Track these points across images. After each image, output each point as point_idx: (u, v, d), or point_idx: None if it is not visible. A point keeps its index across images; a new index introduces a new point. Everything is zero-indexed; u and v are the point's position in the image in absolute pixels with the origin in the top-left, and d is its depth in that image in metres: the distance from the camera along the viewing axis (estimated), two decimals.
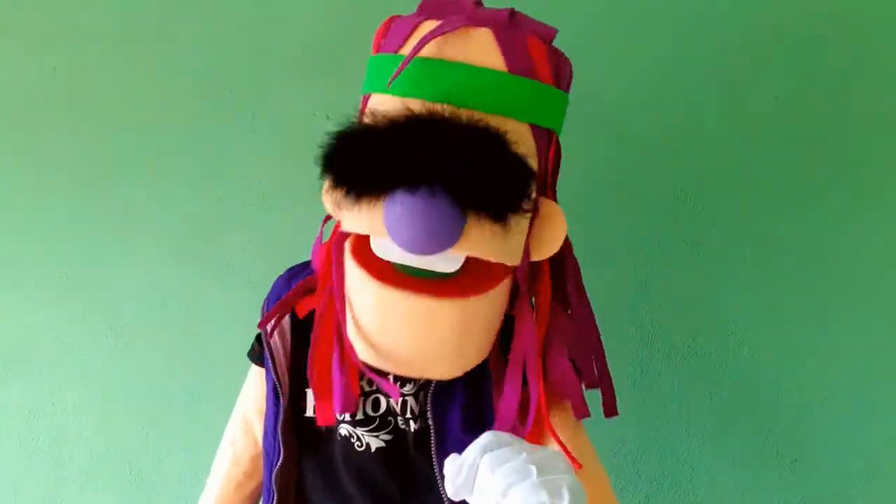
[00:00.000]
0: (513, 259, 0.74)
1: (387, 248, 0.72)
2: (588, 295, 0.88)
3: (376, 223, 0.70)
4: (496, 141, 0.67)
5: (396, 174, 0.66)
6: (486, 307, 0.75)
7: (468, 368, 0.77)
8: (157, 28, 1.28)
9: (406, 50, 0.72)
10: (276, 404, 0.87)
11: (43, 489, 1.35)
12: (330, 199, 0.75)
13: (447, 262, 0.72)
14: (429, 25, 0.72)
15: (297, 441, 0.88)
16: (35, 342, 1.32)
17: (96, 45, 1.28)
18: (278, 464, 0.87)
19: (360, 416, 0.85)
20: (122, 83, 1.28)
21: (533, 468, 0.53)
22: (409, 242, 0.68)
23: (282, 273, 0.95)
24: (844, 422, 1.28)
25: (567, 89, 0.81)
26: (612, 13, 1.25)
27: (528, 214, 0.73)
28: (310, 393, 0.86)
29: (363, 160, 0.68)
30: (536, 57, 0.73)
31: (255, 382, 0.97)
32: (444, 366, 0.76)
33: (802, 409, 1.28)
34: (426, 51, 0.70)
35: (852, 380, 1.27)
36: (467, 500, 0.58)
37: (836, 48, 1.23)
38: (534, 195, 0.74)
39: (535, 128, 0.74)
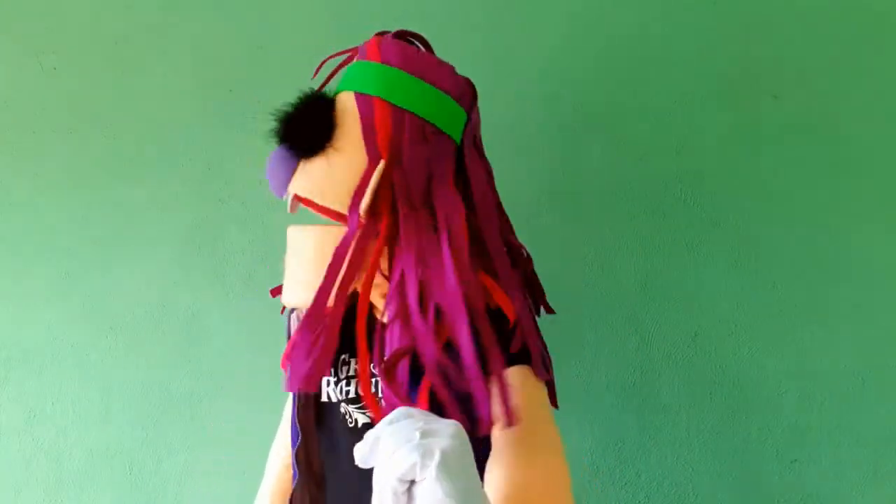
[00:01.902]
0: (328, 197, 0.87)
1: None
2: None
3: None
4: (312, 100, 0.88)
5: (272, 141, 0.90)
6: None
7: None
8: (157, 28, 1.28)
9: None
10: (296, 394, 0.96)
11: (43, 489, 1.35)
12: None
13: (289, 204, 0.92)
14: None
15: (313, 422, 0.97)
16: (35, 342, 1.32)
17: (96, 45, 1.28)
18: (298, 444, 0.96)
19: (352, 394, 0.93)
20: (122, 83, 1.29)
21: (417, 434, 0.58)
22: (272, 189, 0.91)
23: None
24: (844, 422, 1.28)
25: (430, 80, 0.91)
26: (611, 13, 1.25)
27: (347, 155, 0.86)
28: (323, 381, 0.95)
29: (280, 133, 0.91)
30: (369, 47, 0.92)
31: None
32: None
33: (802, 409, 1.28)
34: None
35: (852, 380, 1.27)
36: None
37: (836, 48, 1.23)
38: (345, 144, 0.87)
39: (358, 95, 0.89)
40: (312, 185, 0.88)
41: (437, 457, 0.55)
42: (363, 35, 1.26)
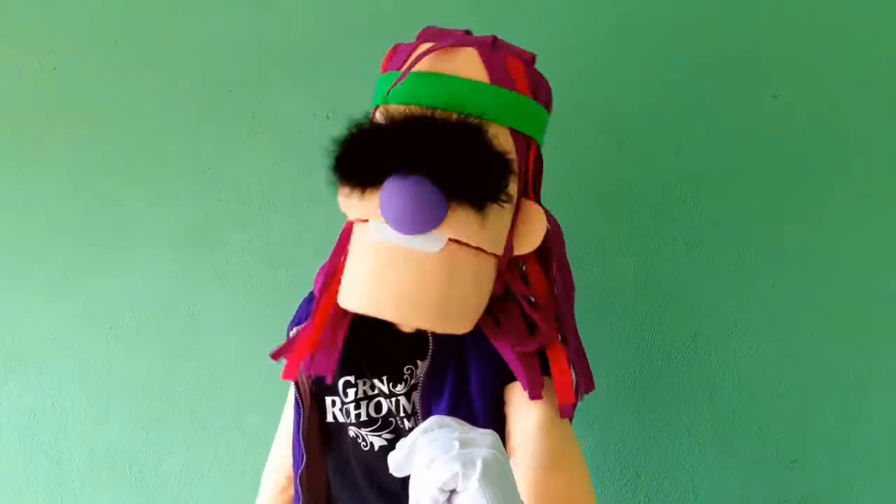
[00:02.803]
0: (493, 247, 0.82)
1: (381, 231, 0.81)
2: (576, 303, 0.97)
3: (372, 207, 0.81)
4: (476, 134, 0.78)
5: (389, 164, 0.78)
6: (472, 265, 0.82)
7: (449, 324, 0.82)
8: (157, 28, 1.28)
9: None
10: (299, 412, 0.95)
11: (43, 489, 1.35)
12: (341, 196, 0.86)
13: (431, 241, 0.80)
14: (425, 47, 0.84)
15: (320, 445, 0.96)
16: (35, 342, 1.32)
17: (96, 45, 1.28)
18: (302, 466, 0.94)
19: (364, 417, 0.92)
20: (122, 83, 1.29)
21: (456, 443, 0.57)
22: (397, 220, 0.78)
23: (306, 295, 1.01)
24: (844, 422, 1.28)
25: (546, 106, 0.89)
26: (612, 13, 1.25)
27: (507, 205, 0.81)
28: (328, 400, 0.94)
29: (361, 155, 0.80)
30: (515, 73, 0.83)
31: (291, 399, 1.03)
32: (429, 313, 0.80)
33: (802, 409, 1.28)
34: (422, 66, 0.83)
35: (852, 380, 1.27)
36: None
37: (836, 48, 1.23)
38: (513, 190, 0.82)
39: (513, 132, 0.83)
40: (478, 233, 0.80)
41: (478, 467, 0.55)
42: (363, 35, 1.27)
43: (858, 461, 1.29)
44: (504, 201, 0.80)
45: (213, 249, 1.30)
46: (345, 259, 0.88)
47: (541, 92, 0.87)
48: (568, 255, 1.29)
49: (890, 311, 1.26)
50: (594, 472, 1.30)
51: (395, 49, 0.89)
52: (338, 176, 0.82)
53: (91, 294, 1.31)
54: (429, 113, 0.78)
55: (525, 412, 0.84)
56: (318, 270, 0.94)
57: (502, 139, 0.81)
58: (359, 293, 0.82)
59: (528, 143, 0.85)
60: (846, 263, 1.26)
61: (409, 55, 0.85)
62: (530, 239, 0.85)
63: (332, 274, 0.91)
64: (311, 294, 0.99)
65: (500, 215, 0.81)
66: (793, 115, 1.24)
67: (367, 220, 0.83)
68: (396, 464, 0.61)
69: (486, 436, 0.60)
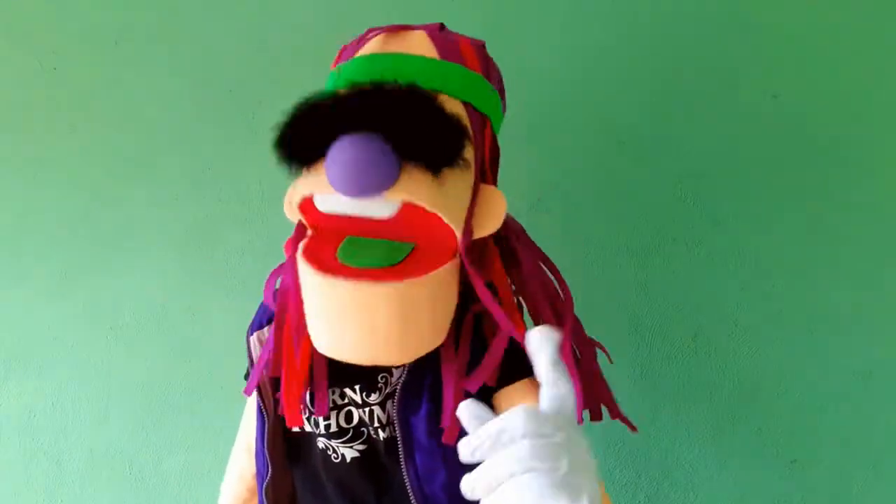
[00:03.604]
0: (451, 216, 0.74)
1: (330, 202, 0.75)
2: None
3: (320, 178, 0.73)
4: (428, 99, 0.72)
5: (335, 130, 0.71)
6: (427, 291, 0.74)
7: (416, 355, 0.76)
8: (157, 28, 1.28)
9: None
10: (263, 423, 0.91)
11: (43, 489, 1.35)
12: (288, 196, 0.79)
13: (385, 206, 0.73)
14: (373, 35, 0.82)
15: (284, 456, 0.92)
16: (35, 342, 1.32)
17: (96, 45, 1.28)
18: (267, 479, 0.90)
19: (333, 428, 0.87)
20: (122, 83, 1.29)
21: (565, 462, 0.49)
22: (344, 183, 0.70)
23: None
24: (844, 422, 1.28)
25: (500, 92, 0.85)
26: (611, 13, 1.25)
27: (465, 172, 0.75)
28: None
29: (305, 127, 0.74)
30: (466, 52, 0.81)
31: (252, 407, 1.01)
32: (390, 352, 0.75)
33: (802, 409, 1.28)
34: (370, 49, 0.80)
35: (852, 380, 1.27)
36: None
37: (836, 48, 1.23)
38: (470, 158, 0.76)
39: (467, 106, 0.78)
40: (435, 198, 0.72)
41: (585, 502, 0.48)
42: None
43: (858, 461, 1.29)
44: (462, 167, 0.74)
45: (213, 249, 1.30)
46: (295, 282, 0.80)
47: (493, 74, 0.84)
48: (568, 255, 1.29)
49: (890, 310, 1.26)
50: None
51: (343, 48, 0.87)
52: (282, 155, 0.75)
53: (91, 294, 1.31)
54: (377, 83, 0.72)
55: None
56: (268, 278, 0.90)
57: (456, 109, 0.77)
58: (321, 343, 0.77)
59: (483, 122, 0.81)
60: (846, 263, 1.26)
61: (359, 45, 0.82)
62: (490, 220, 0.78)
63: (297, 314, 0.81)
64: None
65: (458, 186, 0.75)
66: (793, 115, 1.24)
67: (310, 200, 0.77)
68: (465, 446, 0.52)
69: (589, 455, 0.53)
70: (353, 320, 0.73)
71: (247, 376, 0.99)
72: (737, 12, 1.23)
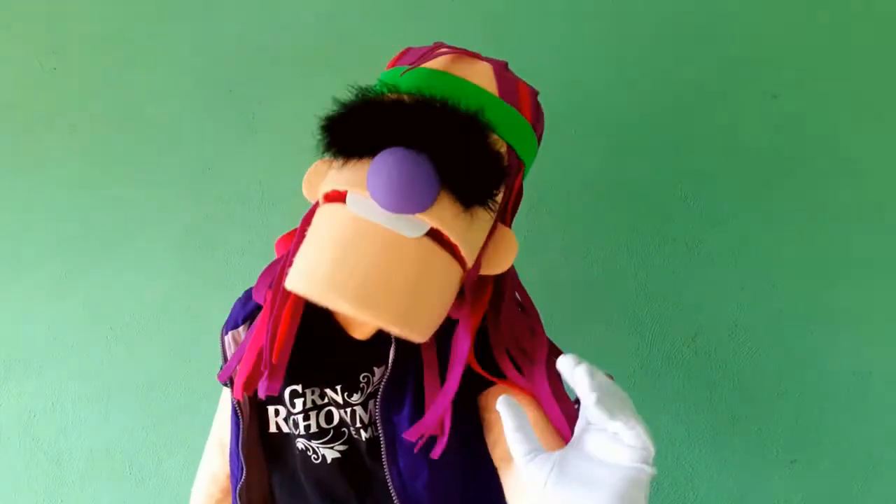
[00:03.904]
0: (468, 250, 0.75)
1: (362, 205, 0.73)
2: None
3: (358, 178, 0.73)
4: (482, 129, 0.72)
5: (387, 135, 0.71)
6: (444, 268, 0.75)
7: (411, 323, 0.73)
8: (157, 28, 1.28)
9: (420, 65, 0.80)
10: (237, 424, 0.90)
11: (43, 489, 1.35)
12: (313, 173, 0.80)
13: (413, 226, 0.72)
14: (442, 50, 0.81)
15: (261, 458, 0.92)
16: (35, 342, 1.32)
17: (96, 45, 1.28)
18: (242, 480, 0.90)
19: (314, 429, 0.87)
20: (121, 83, 1.29)
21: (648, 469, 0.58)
22: (385, 196, 0.70)
23: (239, 296, 0.97)
24: (844, 422, 1.28)
25: (538, 136, 0.86)
26: (612, 13, 1.25)
27: (491, 213, 0.76)
28: (270, 410, 0.90)
29: (358, 122, 0.73)
30: (523, 98, 0.80)
31: (226, 403, 1.00)
32: (393, 305, 0.71)
33: (802, 409, 1.28)
34: (435, 64, 0.78)
35: (852, 380, 1.27)
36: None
37: (837, 48, 1.23)
38: (499, 201, 0.77)
39: (510, 150, 0.78)
40: (460, 231, 0.73)
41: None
42: (364, 35, 1.27)
43: (858, 461, 1.29)
44: (490, 208, 0.75)
45: (213, 249, 1.30)
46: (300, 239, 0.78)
47: (539, 125, 0.84)
48: (568, 255, 1.29)
49: (890, 310, 1.26)
50: None
51: (407, 50, 0.86)
52: (326, 140, 0.74)
53: (91, 294, 1.31)
54: (439, 98, 0.72)
55: None
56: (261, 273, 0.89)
57: (502, 151, 0.76)
58: (319, 273, 0.71)
59: (519, 167, 0.81)
60: (846, 263, 1.26)
61: (425, 55, 0.81)
62: (501, 260, 0.80)
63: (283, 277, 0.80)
64: (247, 294, 0.95)
65: (480, 224, 0.76)
66: (793, 115, 1.24)
67: (343, 195, 0.75)
68: (606, 407, 0.57)
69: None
70: (375, 258, 0.71)
71: (218, 376, 0.99)
72: (737, 12, 1.23)
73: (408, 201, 0.70)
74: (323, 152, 0.76)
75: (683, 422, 1.29)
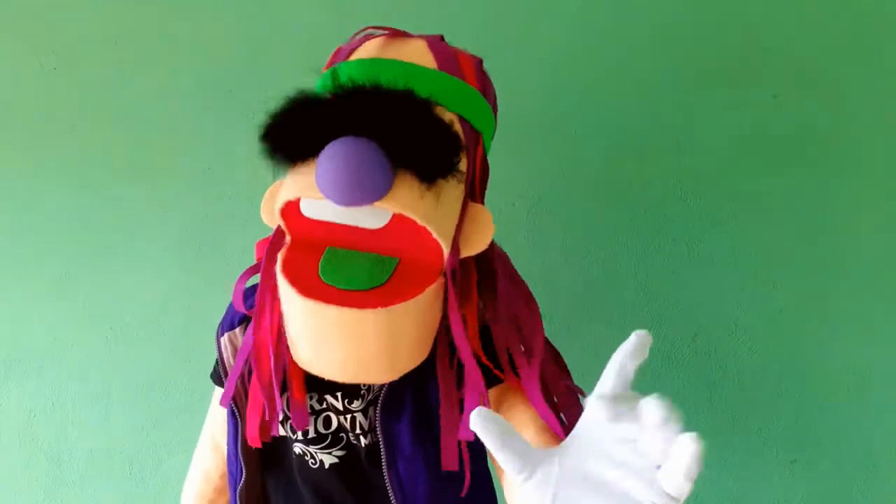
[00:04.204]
0: (440, 231, 0.72)
1: (317, 208, 0.72)
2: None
3: (308, 182, 0.70)
4: (426, 105, 0.70)
5: (328, 130, 0.68)
6: (414, 313, 0.73)
7: (404, 372, 0.76)
8: (157, 28, 1.28)
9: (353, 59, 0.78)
10: (235, 426, 0.89)
11: (43, 489, 1.35)
12: (269, 199, 0.79)
13: (374, 217, 0.71)
14: (371, 38, 0.80)
15: (258, 459, 0.91)
16: (35, 342, 1.32)
17: (96, 45, 1.28)
18: (241, 482, 0.89)
19: (311, 434, 0.86)
20: (122, 83, 1.28)
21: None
22: (335, 191, 0.67)
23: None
24: (844, 422, 1.28)
25: (493, 106, 0.83)
26: (611, 13, 1.25)
27: (458, 182, 0.73)
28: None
29: (297, 123, 0.70)
30: (464, 66, 0.78)
31: (218, 403, 0.98)
32: (379, 372, 0.75)
33: (802, 409, 1.28)
34: (368, 52, 0.77)
35: (852, 380, 1.28)
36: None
37: (837, 48, 1.23)
38: (463, 165, 0.74)
39: (462, 120, 0.76)
40: (427, 211, 0.70)
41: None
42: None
43: (858, 461, 1.29)
44: (456, 179, 0.71)
45: (213, 249, 1.30)
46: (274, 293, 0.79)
47: (489, 92, 0.82)
48: (568, 255, 1.29)
49: (890, 310, 1.26)
50: None
51: (338, 50, 0.84)
52: (268, 148, 0.72)
53: (91, 294, 1.31)
54: (373, 83, 0.70)
55: (512, 415, 0.81)
56: (238, 280, 0.89)
57: (452, 121, 0.74)
58: (305, 363, 0.75)
59: (476, 138, 0.78)
60: (846, 263, 1.26)
61: (354, 49, 0.80)
62: (478, 239, 0.76)
63: (273, 329, 0.80)
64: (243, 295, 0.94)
65: (449, 201, 0.72)
66: (793, 115, 1.24)
67: (296, 203, 0.74)
68: (617, 411, 0.55)
69: None
70: (339, 344, 0.72)
71: (212, 376, 0.98)
72: (737, 12, 1.23)
73: (360, 191, 0.66)
74: (268, 161, 0.73)
75: (684, 422, 1.29)
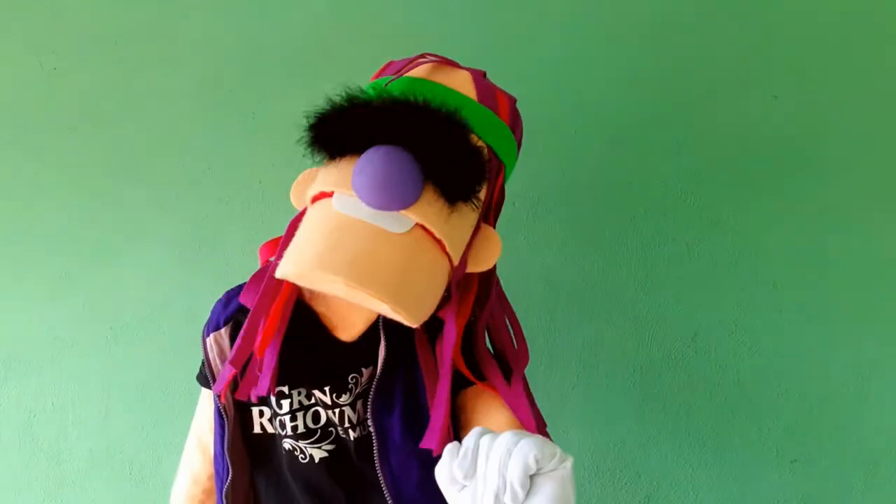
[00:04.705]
0: (453, 247, 0.77)
1: (347, 204, 0.74)
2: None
3: (343, 178, 0.74)
4: (462, 128, 0.74)
5: (371, 134, 0.73)
6: (431, 262, 0.76)
7: (400, 302, 0.73)
8: (157, 28, 1.28)
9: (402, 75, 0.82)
10: (222, 425, 0.91)
11: (43, 489, 1.35)
12: (301, 182, 0.82)
13: (398, 222, 0.73)
14: (422, 61, 0.84)
15: (246, 458, 0.92)
16: (35, 342, 1.32)
17: (96, 45, 1.28)
18: (227, 482, 0.90)
19: (301, 429, 0.88)
20: (122, 83, 1.29)
21: (530, 437, 0.56)
22: (369, 193, 0.72)
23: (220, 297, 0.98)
24: (844, 422, 1.28)
25: (518, 142, 0.88)
26: (611, 13, 1.25)
27: (475, 210, 0.78)
28: (255, 411, 0.90)
29: (343, 121, 0.75)
30: (501, 103, 0.83)
31: (206, 404, 1.00)
32: (386, 286, 0.71)
33: (802, 409, 1.28)
34: (417, 72, 0.82)
35: (852, 380, 1.28)
36: (454, 498, 0.59)
37: (837, 48, 1.23)
38: (482, 197, 0.78)
39: (490, 151, 0.80)
40: (445, 227, 0.75)
41: (570, 458, 0.56)
42: (363, 35, 1.27)
43: (858, 461, 1.29)
44: (475, 205, 0.76)
45: (213, 249, 1.30)
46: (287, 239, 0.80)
47: (517, 130, 0.86)
48: (568, 255, 1.29)
49: (890, 310, 1.26)
50: (594, 472, 1.30)
51: (390, 63, 0.88)
52: (313, 140, 0.76)
53: (91, 294, 1.31)
54: (420, 100, 0.74)
55: (489, 415, 0.84)
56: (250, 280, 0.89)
57: (483, 148, 0.78)
58: (308, 254, 0.72)
59: (499, 168, 0.83)
60: (846, 263, 1.26)
61: (406, 66, 0.84)
62: (486, 258, 0.82)
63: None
64: (227, 296, 0.96)
65: (464, 221, 0.77)
66: (793, 115, 1.24)
67: (329, 195, 0.76)
68: (464, 470, 0.58)
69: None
70: (365, 243, 0.72)
71: (198, 377, 1.00)
72: (737, 12, 1.24)
73: (391, 198, 0.72)
74: (308, 149, 0.77)
75: (683, 422, 1.29)
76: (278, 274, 0.75)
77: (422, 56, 0.86)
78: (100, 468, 1.34)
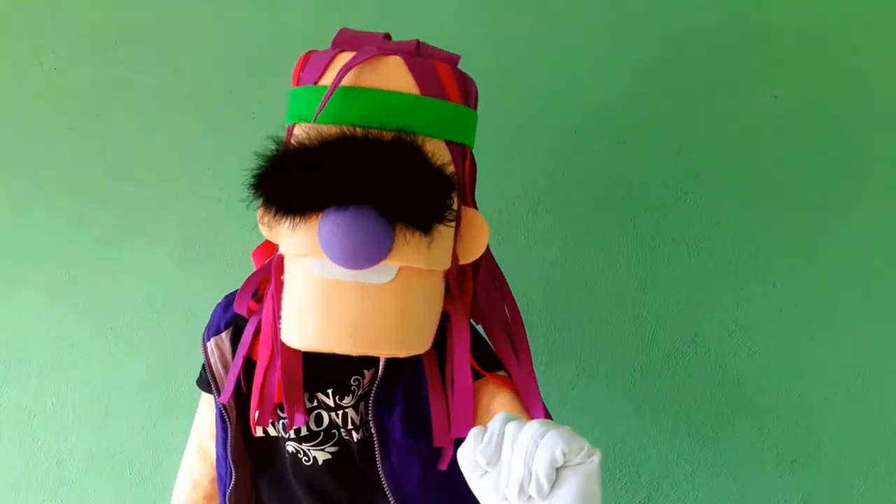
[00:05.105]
0: (442, 265, 0.78)
1: (324, 267, 0.75)
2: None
3: (312, 244, 0.74)
4: (415, 155, 0.72)
5: (326, 195, 0.72)
6: (425, 288, 0.78)
7: (411, 348, 0.78)
8: (157, 28, 1.28)
9: (325, 81, 0.77)
10: (224, 429, 0.91)
11: (43, 489, 1.35)
12: (265, 224, 0.82)
13: (382, 273, 0.75)
14: (344, 57, 0.77)
15: (248, 461, 0.92)
16: (35, 342, 1.32)
17: (96, 45, 1.28)
18: (231, 485, 0.90)
19: (304, 431, 0.88)
20: (122, 83, 1.28)
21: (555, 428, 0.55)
22: (342, 259, 0.72)
23: (219, 301, 0.98)
24: (844, 422, 1.28)
25: (475, 106, 0.85)
26: (612, 13, 1.25)
27: (452, 223, 0.77)
28: (257, 414, 0.90)
29: (294, 183, 0.73)
30: (445, 79, 0.78)
31: (206, 408, 1.00)
32: (390, 341, 0.76)
33: (802, 409, 1.28)
34: (346, 80, 0.76)
35: (852, 380, 1.28)
36: (476, 483, 0.58)
37: (837, 48, 1.23)
38: (455, 204, 0.78)
39: (449, 143, 0.78)
40: (428, 256, 0.75)
41: (598, 452, 0.54)
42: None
43: (858, 461, 1.29)
44: (450, 220, 0.75)
45: (213, 249, 1.30)
46: (279, 295, 0.81)
47: (471, 94, 0.83)
48: (568, 255, 1.29)
49: (890, 310, 1.26)
50: None
51: (308, 57, 0.83)
52: (264, 201, 0.75)
53: (91, 294, 1.31)
54: (361, 133, 0.72)
55: (498, 406, 0.85)
56: (243, 288, 0.90)
57: (439, 153, 0.76)
58: (310, 330, 0.75)
59: (463, 152, 0.81)
60: (846, 263, 1.26)
61: (326, 66, 0.78)
62: (475, 246, 0.82)
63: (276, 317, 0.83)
64: (227, 300, 0.96)
65: (445, 232, 0.77)
66: (793, 115, 1.24)
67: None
68: (487, 456, 0.56)
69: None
70: (357, 308, 0.74)
71: (198, 381, 1.00)
72: (737, 12, 1.23)
73: (366, 259, 0.72)
74: (261, 208, 0.77)
75: (683, 422, 1.29)
76: (285, 340, 0.78)
77: (339, 42, 0.81)
78: (100, 468, 1.34)
